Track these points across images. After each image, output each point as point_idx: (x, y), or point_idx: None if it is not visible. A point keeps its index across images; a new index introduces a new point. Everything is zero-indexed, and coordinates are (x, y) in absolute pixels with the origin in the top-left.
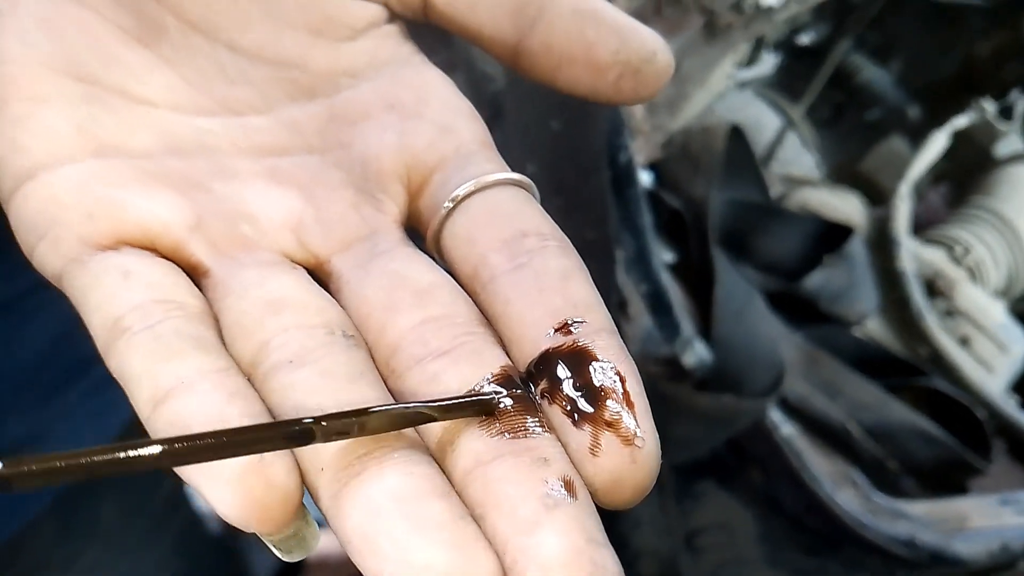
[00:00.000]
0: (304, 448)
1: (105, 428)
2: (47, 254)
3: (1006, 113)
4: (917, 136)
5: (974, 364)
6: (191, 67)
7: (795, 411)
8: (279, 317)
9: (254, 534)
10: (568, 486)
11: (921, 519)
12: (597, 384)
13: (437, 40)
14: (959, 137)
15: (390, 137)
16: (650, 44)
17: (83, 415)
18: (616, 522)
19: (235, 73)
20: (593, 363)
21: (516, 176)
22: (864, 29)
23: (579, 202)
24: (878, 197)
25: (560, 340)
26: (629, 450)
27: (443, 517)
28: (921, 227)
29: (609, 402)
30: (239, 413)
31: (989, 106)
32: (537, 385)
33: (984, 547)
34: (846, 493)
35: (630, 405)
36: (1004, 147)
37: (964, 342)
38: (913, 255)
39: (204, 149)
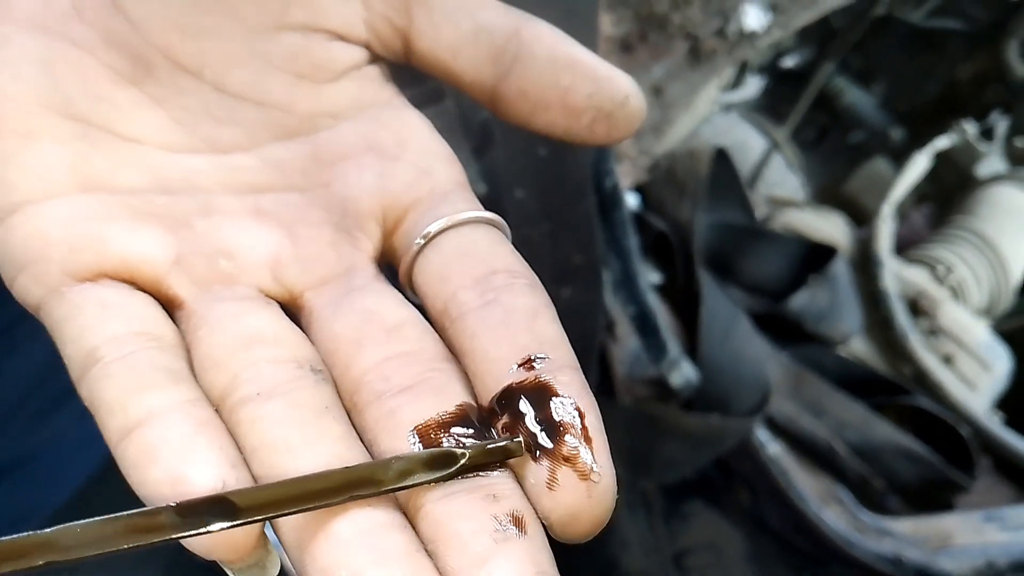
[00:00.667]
0: (270, 473)
1: (92, 455)
2: (29, 286)
3: (987, 134)
4: (900, 158)
5: (958, 382)
6: (179, 106)
7: (781, 430)
8: (251, 351)
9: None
10: (517, 522)
11: (907, 537)
12: (557, 419)
13: None
14: (941, 158)
15: (368, 178)
16: (623, 89)
17: (71, 441)
18: (605, 543)
19: (222, 113)
20: (554, 399)
21: (488, 215)
22: (847, 53)
23: (566, 226)
24: (862, 218)
25: (523, 375)
26: (585, 485)
27: (400, 550)
28: (904, 247)
29: (568, 437)
30: (207, 443)
31: (970, 127)
32: (499, 419)
33: (970, 564)
34: (832, 511)
35: (588, 441)
36: (985, 168)
37: (947, 360)
38: (896, 275)
39: (190, 187)
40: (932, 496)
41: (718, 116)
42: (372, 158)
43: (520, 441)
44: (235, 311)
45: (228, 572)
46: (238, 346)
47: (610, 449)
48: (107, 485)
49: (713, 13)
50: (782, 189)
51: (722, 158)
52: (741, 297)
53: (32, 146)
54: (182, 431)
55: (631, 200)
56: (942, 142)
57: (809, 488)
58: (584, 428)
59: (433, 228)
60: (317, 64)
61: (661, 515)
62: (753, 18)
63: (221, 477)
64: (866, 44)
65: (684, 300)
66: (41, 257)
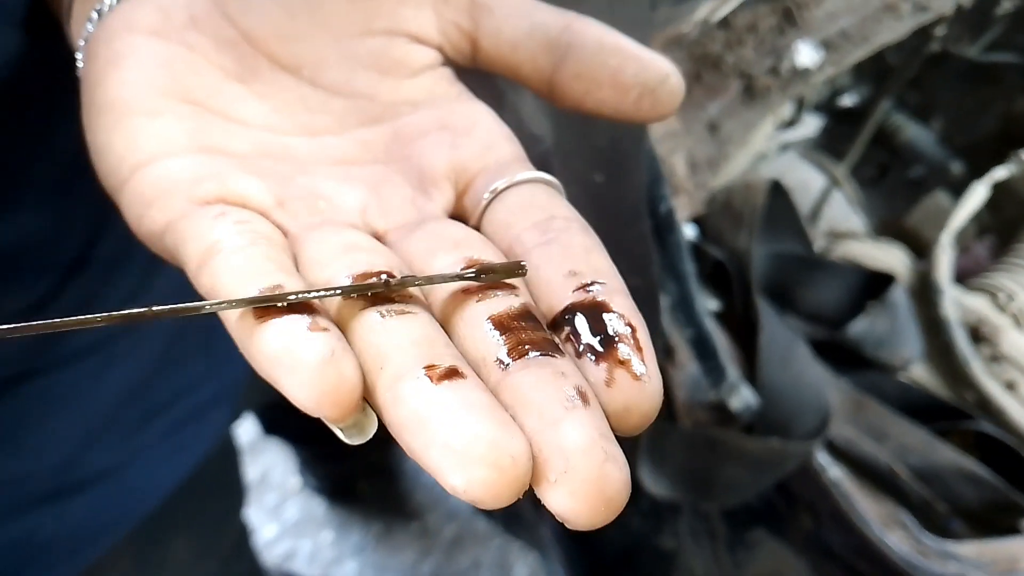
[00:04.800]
0: (365, 348)
1: (178, 465)
2: (155, 215)
3: None
4: (960, 191)
5: (1020, 408)
6: (279, 100)
7: (842, 455)
8: (350, 255)
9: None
10: (582, 396)
11: (972, 560)
12: (611, 332)
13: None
14: (1000, 189)
15: (442, 150)
16: (664, 68)
17: (160, 452)
18: (670, 575)
19: (315, 104)
20: (609, 314)
21: (546, 176)
22: (904, 89)
23: (623, 250)
24: (922, 251)
25: (582, 296)
26: (639, 384)
27: (488, 403)
28: (965, 278)
29: (621, 346)
30: (324, 339)
31: None
32: (561, 333)
33: None
34: (896, 535)
35: (639, 350)
36: None
37: (1010, 387)
38: (956, 302)
39: (289, 157)
40: (996, 520)
41: (777, 155)
42: (446, 135)
43: (524, 263)
44: (335, 230)
45: (335, 430)
46: (340, 251)
47: (672, 471)
48: (191, 498)
49: (766, 52)
50: (843, 226)
51: (778, 190)
52: (799, 325)
53: (156, 120)
54: (299, 322)
55: (688, 231)
56: (1000, 172)
57: (871, 512)
58: (636, 339)
59: (499, 185)
60: (397, 63)
61: (725, 544)
62: (805, 56)
63: (331, 347)
64: (923, 80)
65: (742, 327)
66: (167, 192)
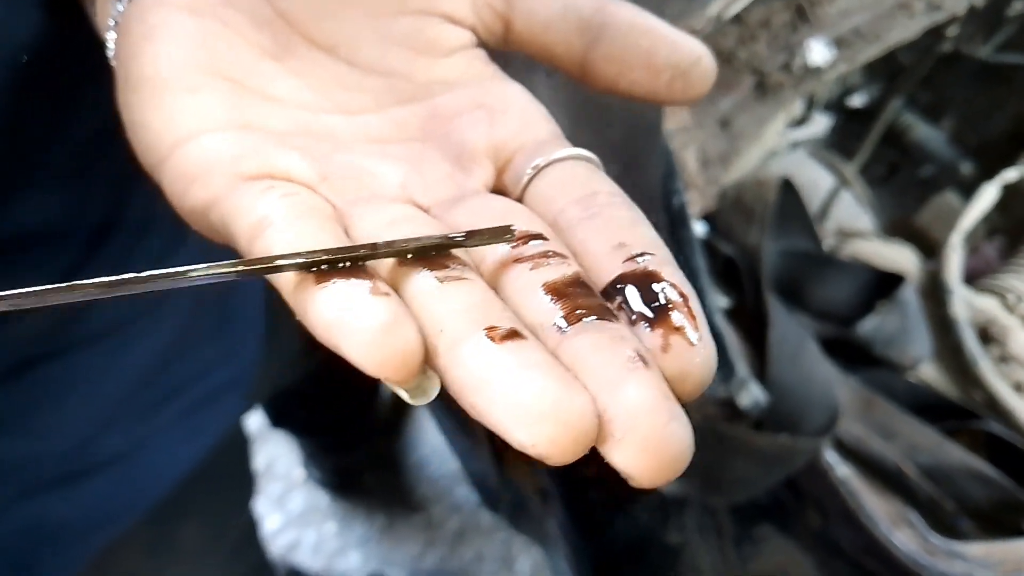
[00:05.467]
0: (423, 313)
1: (191, 451)
2: (199, 192)
3: None
4: (970, 191)
5: None
6: (316, 77)
7: (851, 452)
8: (399, 227)
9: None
10: (642, 358)
11: (979, 560)
12: (663, 301)
13: None
14: (1011, 191)
15: (480, 127)
16: (697, 49)
17: (175, 434)
18: (677, 569)
19: (351, 82)
20: (661, 283)
21: (586, 153)
22: (915, 88)
23: None
24: (931, 251)
25: (632, 266)
26: (693, 350)
27: (550, 362)
28: (974, 278)
29: (674, 313)
30: (385, 303)
31: None
32: (612, 303)
33: None
34: (903, 534)
35: (692, 317)
36: None
37: (1018, 388)
38: (966, 302)
39: (327, 135)
40: (1004, 520)
41: (786, 153)
42: (482, 113)
43: (512, 228)
44: (381, 203)
45: (399, 392)
46: (389, 223)
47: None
48: (203, 484)
49: (778, 49)
50: (852, 224)
51: (789, 188)
52: (809, 322)
53: (195, 96)
54: (358, 289)
55: (699, 228)
56: (1011, 174)
57: (879, 510)
58: (688, 308)
59: (540, 161)
60: (432, 42)
61: (732, 540)
62: (818, 53)
63: (392, 311)
64: (934, 79)
65: (752, 324)
66: (210, 168)
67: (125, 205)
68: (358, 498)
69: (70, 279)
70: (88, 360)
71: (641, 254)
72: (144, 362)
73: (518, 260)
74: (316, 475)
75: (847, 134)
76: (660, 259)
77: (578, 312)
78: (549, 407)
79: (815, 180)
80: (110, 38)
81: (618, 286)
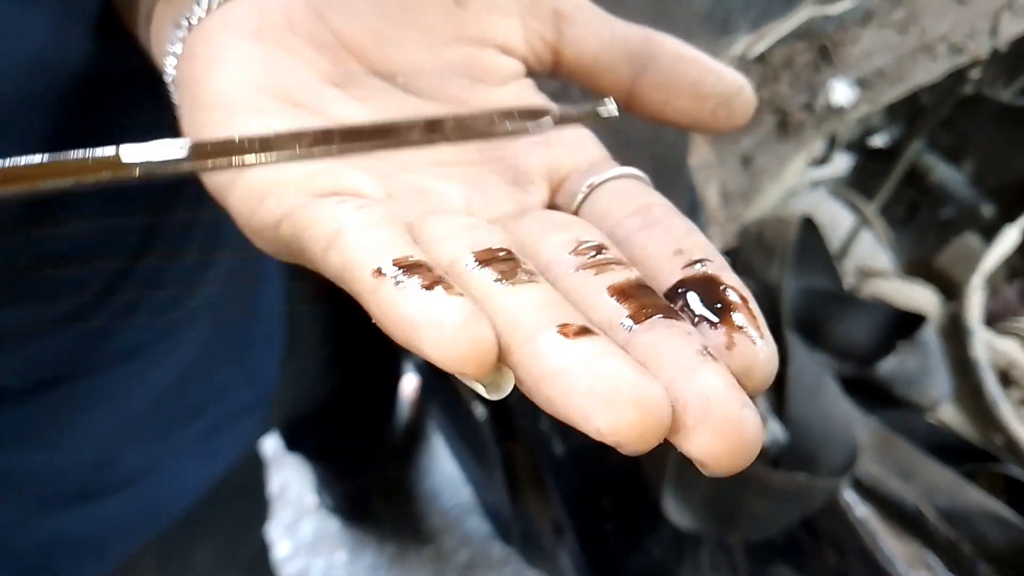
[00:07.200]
0: (496, 312)
1: (208, 471)
2: (270, 208)
3: None
4: (991, 233)
5: None
6: (375, 104)
7: (869, 493)
8: (468, 235)
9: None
10: (709, 353)
11: None
12: (724, 303)
13: None
14: None
15: (536, 150)
16: (739, 80)
17: (193, 455)
18: None
19: (409, 109)
20: (722, 286)
21: (638, 172)
22: (937, 130)
23: None
24: (951, 292)
25: (692, 272)
26: (756, 347)
27: (623, 354)
28: (995, 320)
29: (735, 314)
30: (461, 302)
31: None
32: (675, 306)
33: None
34: None
35: (753, 317)
36: None
37: None
38: (986, 344)
39: (389, 158)
40: (1023, 563)
41: (807, 192)
42: (536, 138)
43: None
44: (449, 215)
45: (476, 387)
46: (460, 230)
47: (697, 503)
48: (219, 505)
49: (801, 88)
50: (871, 264)
51: (810, 225)
52: (829, 361)
53: (260, 118)
54: (435, 294)
55: None
56: None
57: (897, 551)
58: (749, 309)
59: (595, 180)
60: (487, 71)
61: None
62: (840, 94)
63: (469, 308)
64: (956, 121)
65: None
66: (281, 185)
67: (163, 223)
68: (368, 527)
69: (109, 294)
70: (110, 380)
71: (700, 260)
72: (165, 383)
73: (582, 267)
74: (328, 501)
75: (868, 174)
76: (718, 265)
77: (645, 310)
78: (628, 393)
79: (835, 219)
80: (169, 63)
81: (679, 290)
